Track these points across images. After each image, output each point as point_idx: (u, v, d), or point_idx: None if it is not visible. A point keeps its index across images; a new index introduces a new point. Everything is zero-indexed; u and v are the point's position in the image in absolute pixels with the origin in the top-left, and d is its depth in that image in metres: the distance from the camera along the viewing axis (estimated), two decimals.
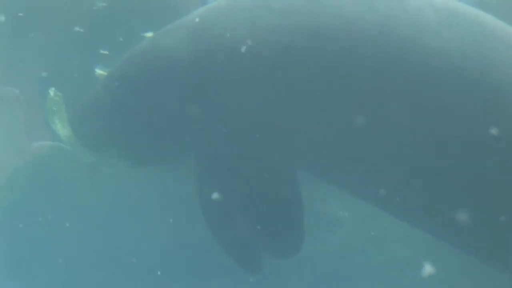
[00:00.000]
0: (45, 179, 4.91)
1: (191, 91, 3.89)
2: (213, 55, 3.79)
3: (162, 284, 4.83)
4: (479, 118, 3.50)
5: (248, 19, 3.75)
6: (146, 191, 4.74)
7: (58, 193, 4.89)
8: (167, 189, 4.63)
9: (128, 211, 4.83)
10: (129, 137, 4.25)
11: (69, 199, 4.86)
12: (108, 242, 4.86)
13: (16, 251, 5.06)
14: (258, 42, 3.68)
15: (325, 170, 4.00)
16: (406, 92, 3.53)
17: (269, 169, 3.91)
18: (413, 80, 3.52)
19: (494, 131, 3.49)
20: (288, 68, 3.65)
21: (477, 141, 3.52)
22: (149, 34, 4.35)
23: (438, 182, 3.65)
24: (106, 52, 4.68)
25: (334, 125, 3.69)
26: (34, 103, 4.93)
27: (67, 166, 4.74)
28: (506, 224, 3.65)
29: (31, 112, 4.95)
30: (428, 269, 4.24)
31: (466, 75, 3.49)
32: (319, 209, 4.55)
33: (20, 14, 4.82)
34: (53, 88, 4.48)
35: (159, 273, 4.73)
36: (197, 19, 3.93)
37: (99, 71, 4.54)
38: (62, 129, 4.48)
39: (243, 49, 3.69)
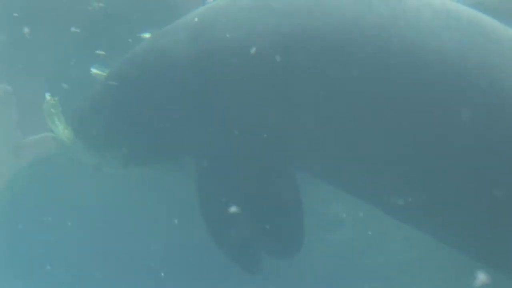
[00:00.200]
0: (45, 179, 4.93)
1: (191, 92, 3.88)
2: (213, 55, 3.78)
3: (162, 284, 4.83)
4: (479, 119, 3.48)
5: (248, 20, 3.75)
6: (147, 191, 4.75)
7: (58, 193, 4.89)
8: (168, 189, 4.64)
9: (128, 211, 4.84)
10: (130, 137, 4.24)
11: (69, 199, 4.87)
12: (108, 242, 4.87)
13: (17, 251, 5.07)
14: (258, 42, 3.67)
15: (325, 171, 3.98)
16: (405, 92, 3.52)
17: (269, 170, 3.91)
18: (411, 81, 3.50)
19: (494, 132, 3.47)
20: (288, 69, 3.64)
21: (478, 142, 3.50)
22: (147, 35, 4.35)
23: (437, 183, 3.64)
24: (102, 52, 4.67)
25: (333, 126, 3.68)
26: (28, 100, 4.95)
27: (67, 166, 4.74)
28: (506, 225, 3.64)
29: (25, 109, 4.97)
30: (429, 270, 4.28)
31: (465, 76, 3.47)
32: (320, 209, 4.55)
33: (15, 14, 4.81)
34: (48, 93, 4.49)
35: (162, 274, 4.74)
36: (196, 20, 3.92)
37: (95, 71, 4.54)
38: (63, 131, 4.48)
39: (243, 49, 3.68)
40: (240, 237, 4.07)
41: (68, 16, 4.74)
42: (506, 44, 3.60)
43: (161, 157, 4.37)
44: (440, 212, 3.73)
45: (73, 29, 4.66)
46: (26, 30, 4.80)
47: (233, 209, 3.98)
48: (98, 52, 4.64)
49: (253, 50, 3.67)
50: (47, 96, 4.49)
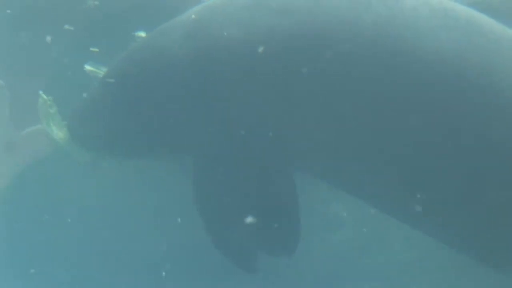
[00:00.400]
0: (42, 176, 4.92)
1: (188, 90, 3.87)
2: (210, 54, 3.78)
3: (163, 283, 4.82)
4: (478, 119, 3.47)
5: (244, 18, 3.74)
6: (146, 190, 4.74)
7: (58, 192, 4.89)
8: (167, 188, 4.62)
9: (128, 210, 4.83)
10: (129, 136, 4.23)
11: (66, 196, 4.87)
12: (108, 241, 4.87)
13: (16, 251, 5.08)
14: (256, 41, 3.66)
15: (324, 171, 3.98)
16: (403, 92, 3.51)
17: (267, 169, 3.90)
18: (409, 80, 3.49)
19: (493, 132, 3.47)
20: (286, 67, 3.63)
21: (477, 142, 3.49)
22: (142, 33, 4.32)
23: (436, 183, 3.62)
24: (96, 50, 4.63)
25: (331, 125, 3.67)
26: (23, 97, 4.93)
27: (64, 162, 4.72)
28: (506, 225, 3.63)
29: (20, 105, 4.96)
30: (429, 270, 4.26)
31: (463, 76, 3.46)
32: (320, 209, 4.55)
33: (8, 11, 4.80)
34: (42, 92, 4.48)
35: (163, 273, 4.74)
36: (193, 18, 3.91)
37: (89, 68, 4.52)
38: (58, 131, 4.47)
39: (240, 48, 3.69)
40: (238, 236, 4.05)
41: (63, 14, 4.72)
42: (505, 43, 3.60)
43: (160, 156, 4.36)
44: (439, 212, 3.71)
45: (67, 26, 4.63)
46: (21, 28, 4.81)
47: (231, 208, 3.98)
48: (92, 49, 4.61)
49: (250, 49, 3.66)
50: (42, 96, 4.45)
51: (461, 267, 4.15)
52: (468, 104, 3.46)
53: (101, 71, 4.46)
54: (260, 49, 3.63)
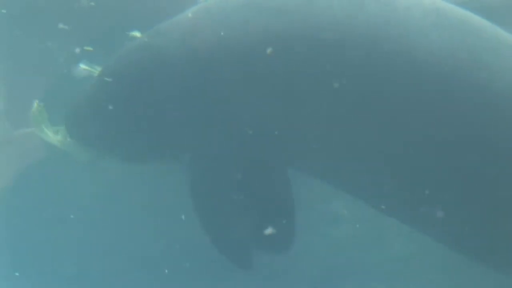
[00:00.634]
0: (41, 174, 4.91)
1: (185, 90, 3.88)
2: (206, 54, 3.79)
3: (165, 279, 4.86)
4: (469, 118, 3.52)
5: (240, 19, 3.75)
6: (145, 189, 4.75)
7: (59, 191, 4.90)
8: (167, 187, 4.63)
9: (128, 208, 4.84)
10: (125, 135, 4.23)
11: (68, 197, 4.88)
12: (108, 239, 4.89)
13: (20, 251, 5.10)
14: (251, 41, 3.68)
15: (322, 171, 4.01)
16: (396, 91, 3.55)
17: (265, 168, 3.94)
18: (402, 79, 3.53)
19: (486, 130, 3.53)
20: (281, 67, 3.65)
21: (470, 140, 3.54)
22: (136, 33, 4.29)
23: (429, 182, 3.68)
24: (90, 49, 4.64)
25: (328, 125, 3.69)
26: (16, 92, 4.94)
27: (63, 161, 4.71)
28: (504, 225, 3.69)
29: (13, 101, 4.96)
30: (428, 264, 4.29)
31: (455, 75, 3.50)
32: (321, 206, 4.58)
33: (4, 11, 4.78)
34: (36, 100, 4.48)
35: (166, 271, 4.78)
36: (189, 18, 3.93)
37: (84, 66, 4.52)
38: (53, 136, 4.48)
39: (235, 48, 3.71)
40: (237, 234, 4.10)
41: (58, 14, 4.72)
42: (496, 42, 3.64)
43: (158, 155, 4.35)
44: (438, 213, 3.73)
45: (61, 25, 4.61)
46: (18, 26, 4.81)
47: (230, 207, 4.02)
48: (86, 48, 4.62)
49: (245, 49, 3.68)
50: (36, 104, 4.46)
51: (459, 263, 4.16)
52: (460, 102, 3.51)
53: (96, 70, 4.47)
54: (256, 49, 3.65)
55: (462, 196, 3.65)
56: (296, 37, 3.60)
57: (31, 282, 5.06)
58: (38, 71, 4.93)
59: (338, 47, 3.56)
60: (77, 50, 4.61)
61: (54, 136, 4.47)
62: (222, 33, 3.73)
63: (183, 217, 4.38)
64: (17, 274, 5.02)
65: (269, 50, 3.62)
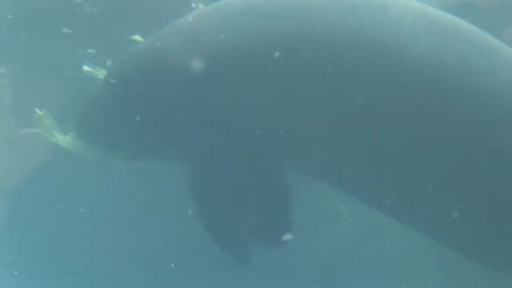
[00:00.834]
0: (49, 176, 5.03)
1: (188, 92, 3.97)
2: (206, 57, 3.86)
3: (170, 274, 4.96)
4: (459, 119, 3.61)
5: (238, 23, 3.84)
6: (151, 188, 4.87)
7: (64, 190, 5.00)
8: (173, 186, 4.71)
9: (133, 208, 4.96)
10: (131, 135, 4.30)
11: (73, 195, 4.98)
12: (114, 237, 5.01)
13: (27, 248, 5.21)
14: (249, 45, 3.77)
15: (320, 172, 4.11)
16: (386, 93, 3.64)
17: (264, 168, 4.02)
18: (395, 82, 3.61)
19: (474, 130, 3.61)
20: (278, 70, 3.73)
21: (460, 141, 3.63)
22: (136, 37, 4.39)
23: (423, 182, 3.75)
24: (93, 51, 4.75)
25: (321, 126, 3.78)
26: (23, 92, 5.04)
27: (71, 162, 4.81)
28: (500, 224, 3.77)
29: (19, 100, 5.06)
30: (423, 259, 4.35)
31: (445, 77, 3.58)
32: (320, 204, 4.69)
33: (9, 16, 4.88)
34: (37, 108, 4.55)
35: (172, 265, 4.87)
36: (190, 24, 4.02)
37: (87, 68, 4.61)
38: (62, 139, 4.55)
39: (234, 51, 3.79)
40: (237, 230, 4.18)
41: (62, 18, 4.82)
42: (484, 47, 3.73)
43: (163, 154, 4.43)
44: (434, 214, 3.85)
45: (64, 29, 4.72)
46: (24, 29, 4.90)
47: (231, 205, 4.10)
48: (90, 51, 4.73)
49: (244, 52, 3.77)
50: (37, 112, 4.55)
51: (454, 258, 4.19)
52: (450, 104, 3.59)
53: (98, 71, 4.55)
54: (254, 53, 3.74)
55: (458, 196, 3.73)
56: (293, 42, 3.69)
57: (39, 277, 5.18)
58: (44, 72, 5.04)
59: (333, 51, 3.64)
60: (81, 52, 4.71)
61: (62, 138, 4.55)
62: (221, 37, 3.82)
63: (190, 213, 4.44)
64: (16, 273, 5.11)
65: (267, 54, 3.71)
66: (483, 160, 3.64)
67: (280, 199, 4.07)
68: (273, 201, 4.08)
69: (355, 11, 3.68)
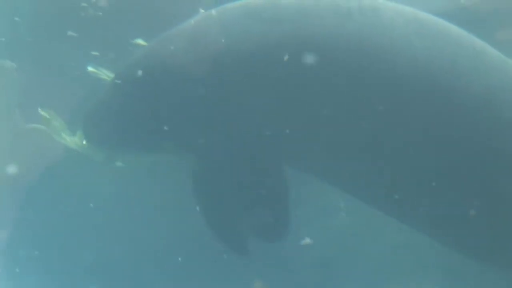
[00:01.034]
0: (54, 172, 5.08)
1: (191, 93, 4.08)
2: (208, 59, 3.98)
3: (175, 270, 5.04)
4: (450, 120, 3.72)
5: (240, 27, 3.95)
6: (156, 185, 4.94)
7: (70, 187, 5.06)
8: (177, 182, 4.76)
9: (139, 204, 5.03)
10: (138, 134, 4.43)
11: (80, 193, 5.05)
12: (121, 232, 5.07)
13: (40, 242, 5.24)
14: (250, 47, 3.88)
15: (320, 172, 4.23)
16: (379, 93, 3.75)
17: (263, 166, 4.15)
18: (385, 82, 3.73)
19: (463, 131, 3.72)
20: (278, 71, 3.85)
21: (450, 141, 3.75)
22: (139, 40, 4.49)
23: (409, 182, 3.90)
24: (97, 53, 4.87)
25: (318, 126, 3.91)
26: (32, 85, 5.14)
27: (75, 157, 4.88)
28: (498, 224, 3.91)
29: (28, 94, 5.14)
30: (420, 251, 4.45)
31: (435, 79, 3.70)
32: (320, 199, 4.75)
33: (17, 19, 4.99)
34: (41, 109, 4.69)
35: (179, 259, 4.94)
36: (193, 28, 4.13)
37: (91, 69, 4.75)
38: (69, 138, 4.67)
39: (236, 53, 3.91)
40: (240, 225, 4.32)
41: (68, 21, 4.95)
42: (472, 50, 3.84)
43: (167, 153, 4.54)
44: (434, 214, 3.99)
45: (70, 32, 4.84)
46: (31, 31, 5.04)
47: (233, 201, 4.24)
48: (93, 53, 4.85)
49: (245, 54, 3.89)
50: (42, 113, 4.67)
51: (449, 250, 4.30)
52: (439, 104, 3.71)
53: (102, 72, 4.70)
54: (255, 55, 3.86)
55: (452, 197, 3.86)
56: (291, 44, 3.80)
57: (51, 270, 5.23)
58: (51, 72, 5.15)
59: (330, 53, 3.75)
60: (85, 54, 4.83)
61: (70, 139, 4.66)
62: (223, 40, 3.93)
63: (197, 208, 4.48)
64: (17, 270, 5.17)
65: (267, 56, 3.83)
66: (475, 159, 3.76)
67: (281, 195, 4.19)
68: (274, 197, 4.20)
69: (349, 15, 3.79)
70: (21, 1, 5.05)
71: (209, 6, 4.28)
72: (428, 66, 3.70)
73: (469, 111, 3.71)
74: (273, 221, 4.26)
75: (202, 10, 4.32)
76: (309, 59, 3.76)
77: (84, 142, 4.68)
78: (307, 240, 4.33)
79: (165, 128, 4.24)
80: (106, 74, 4.68)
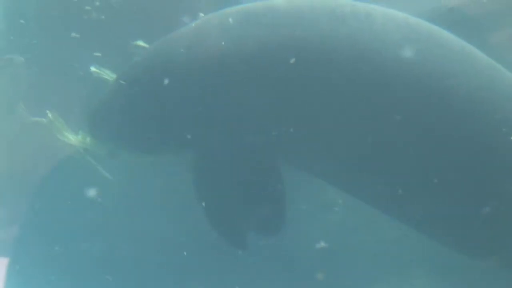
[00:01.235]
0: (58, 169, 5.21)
1: (191, 94, 4.22)
2: (208, 62, 4.12)
3: (181, 265, 5.13)
4: (441, 121, 3.85)
5: (238, 32, 4.08)
6: (159, 181, 5.06)
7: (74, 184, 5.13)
8: (178, 179, 4.91)
9: (144, 199, 5.14)
10: (140, 133, 4.57)
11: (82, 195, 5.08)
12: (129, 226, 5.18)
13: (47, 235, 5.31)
14: (248, 52, 4.02)
15: (318, 172, 4.37)
16: (371, 94, 3.88)
17: (263, 164, 4.30)
18: (378, 86, 3.86)
19: (453, 132, 3.86)
20: (275, 73, 3.99)
21: (440, 143, 3.88)
22: (140, 42, 4.61)
23: (399, 182, 4.04)
24: (99, 54, 4.98)
25: (314, 127, 4.05)
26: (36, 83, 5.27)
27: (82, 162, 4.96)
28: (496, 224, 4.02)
29: (34, 88, 5.28)
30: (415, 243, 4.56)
31: (425, 83, 3.82)
32: (318, 194, 4.86)
33: (22, 21, 5.11)
34: (47, 111, 4.80)
35: (184, 253, 5.03)
36: (194, 31, 4.27)
37: (94, 69, 4.87)
38: (74, 138, 4.79)
39: (235, 57, 4.05)
40: (239, 221, 4.47)
41: (71, 22, 5.09)
42: (461, 54, 3.97)
43: (168, 151, 4.68)
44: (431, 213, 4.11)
45: (73, 34, 4.97)
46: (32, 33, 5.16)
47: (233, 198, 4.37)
48: (96, 54, 4.96)
49: (243, 58, 4.02)
50: (48, 115, 4.78)
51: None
52: (430, 106, 3.83)
53: (105, 73, 4.82)
54: (253, 58, 4.00)
55: (447, 197, 3.99)
56: (287, 48, 3.93)
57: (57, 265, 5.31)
58: (57, 72, 5.28)
59: (324, 56, 3.89)
60: (89, 55, 4.95)
61: (74, 138, 4.77)
62: (222, 44, 4.06)
63: (203, 204, 4.56)
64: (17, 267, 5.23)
65: (265, 58, 3.97)
66: (466, 160, 3.89)
67: (280, 191, 4.31)
68: (273, 193, 4.33)
69: (343, 20, 3.92)
70: (28, 4, 5.17)
71: (208, 11, 4.39)
72: (419, 69, 3.82)
73: (459, 113, 3.83)
74: (272, 217, 4.39)
75: (201, 15, 4.41)
76: (305, 61, 3.89)
77: (89, 140, 4.79)
78: (322, 244, 4.41)
79: (166, 127, 4.38)
80: (108, 74, 4.80)
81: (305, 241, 4.87)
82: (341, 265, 4.89)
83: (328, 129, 3.98)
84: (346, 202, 4.84)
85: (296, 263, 4.97)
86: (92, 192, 5.05)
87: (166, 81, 4.24)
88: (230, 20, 4.13)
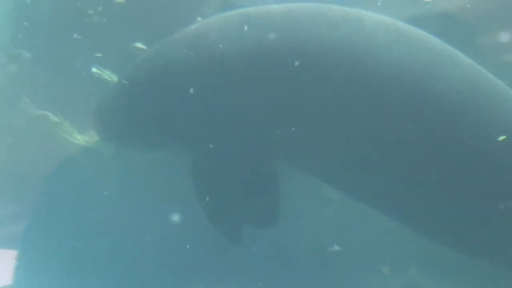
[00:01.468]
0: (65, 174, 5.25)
1: (191, 93, 4.29)
2: (207, 63, 4.21)
3: (183, 257, 5.18)
4: (429, 121, 3.93)
5: (236, 34, 4.17)
6: (162, 179, 5.12)
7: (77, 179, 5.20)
8: (179, 177, 4.94)
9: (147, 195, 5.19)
10: (143, 131, 4.64)
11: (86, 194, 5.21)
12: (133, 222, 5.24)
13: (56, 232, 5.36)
14: (246, 53, 4.11)
15: (317, 172, 4.44)
16: (362, 94, 3.97)
17: (261, 162, 4.40)
18: (369, 86, 3.95)
19: (441, 133, 3.93)
20: (271, 74, 4.08)
21: (427, 143, 3.96)
22: (139, 44, 4.70)
23: (393, 183, 4.12)
24: (100, 55, 5.10)
25: (311, 127, 4.13)
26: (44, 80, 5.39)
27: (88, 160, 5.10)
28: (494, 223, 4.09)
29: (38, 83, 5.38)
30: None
31: (412, 83, 3.92)
32: (315, 191, 4.95)
33: (26, 23, 5.23)
34: (50, 114, 4.89)
35: (188, 246, 5.08)
36: (192, 33, 4.36)
37: (95, 70, 5.00)
38: (81, 137, 4.90)
39: (233, 58, 4.13)
40: (238, 217, 4.55)
41: (74, 26, 5.19)
42: (447, 57, 4.07)
43: (169, 148, 4.76)
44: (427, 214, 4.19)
45: (76, 36, 5.08)
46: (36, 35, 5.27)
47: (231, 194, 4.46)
48: (97, 55, 5.08)
49: (241, 59, 4.11)
50: (54, 118, 4.88)
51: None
52: (417, 106, 3.92)
53: (105, 73, 4.93)
54: (252, 59, 4.08)
55: (440, 198, 4.07)
56: (284, 49, 4.02)
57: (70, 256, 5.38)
58: (60, 72, 5.42)
59: (318, 59, 3.98)
60: (90, 56, 5.07)
61: (82, 137, 4.88)
62: (221, 45, 4.14)
63: (207, 199, 4.60)
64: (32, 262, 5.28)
65: (262, 60, 4.05)
66: (454, 160, 3.96)
67: (277, 188, 4.40)
68: (270, 189, 4.43)
69: (336, 24, 4.01)
70: (36, 8, 5.28)
71: (207, 14, 4.50)
72: (408, 72, 3.91)
73: (446, 114, 3.91)
74: (269, 211, 4.47)
75: (199, 19, 4.47)
76: (300, 64, 3.98)
77: (95, 138, 4.91)
78: (336, 247, 4.49)
79: (167, 126, 4.46)
80: (108, 75, 4.89)
81: (302, 237, 4.97)
82: (338, 260, 4.97)
83: (321, 128, 4.07)
84: (342, 199, 4.89)
85: (293, 258, 5.06)
86: (95, 189, 5.13)
87: (168, 81, 4.32)
88: (230, 22, 4.22)
